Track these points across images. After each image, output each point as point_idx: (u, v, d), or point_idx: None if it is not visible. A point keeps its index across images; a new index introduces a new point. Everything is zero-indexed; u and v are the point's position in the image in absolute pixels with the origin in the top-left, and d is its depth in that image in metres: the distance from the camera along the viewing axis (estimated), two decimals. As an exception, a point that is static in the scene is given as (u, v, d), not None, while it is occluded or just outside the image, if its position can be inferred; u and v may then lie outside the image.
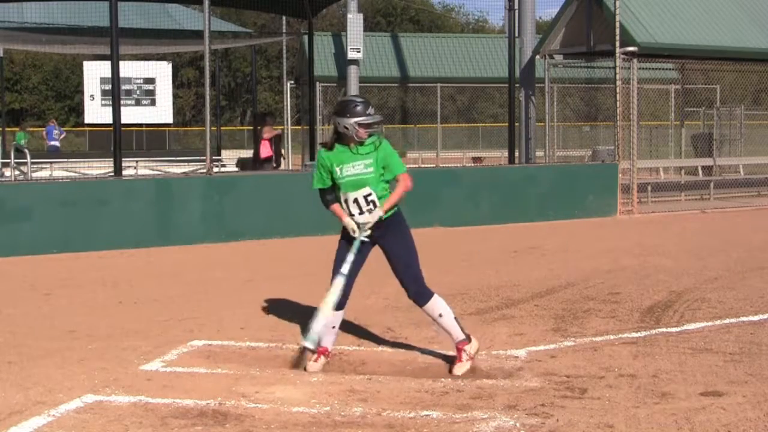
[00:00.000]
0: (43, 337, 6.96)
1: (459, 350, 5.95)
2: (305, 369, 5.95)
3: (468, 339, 5.98)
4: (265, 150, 16.50)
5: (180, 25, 21.98)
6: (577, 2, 17.70)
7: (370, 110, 5.88)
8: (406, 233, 5.99)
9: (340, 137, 5.92)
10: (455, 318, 6.04)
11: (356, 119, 5.81)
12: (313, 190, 6.06)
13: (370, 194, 5.86)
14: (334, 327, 6.07)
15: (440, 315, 5.99)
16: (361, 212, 5.88)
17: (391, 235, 5.95)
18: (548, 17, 31.85)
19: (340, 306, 6.01)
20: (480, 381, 5.66)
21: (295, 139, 26.77)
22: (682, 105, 23.06)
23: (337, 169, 5.88)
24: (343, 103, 6.01)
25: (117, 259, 11.12)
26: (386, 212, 5.89)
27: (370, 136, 5.90)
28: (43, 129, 29.44)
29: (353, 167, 5.86)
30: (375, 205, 5.87)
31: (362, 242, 5.92)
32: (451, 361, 6.02)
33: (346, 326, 7.17)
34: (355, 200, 5.88)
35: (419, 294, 5.98)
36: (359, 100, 5.98)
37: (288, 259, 11.23)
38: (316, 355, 6.04)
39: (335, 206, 6.00)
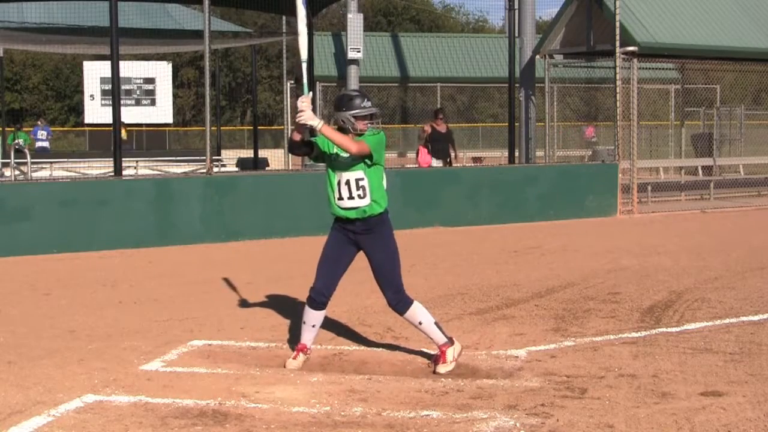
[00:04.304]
0: (43, 337, 6.97)
1: (442, 352, 5.94)
2: (284, 366, 5.96)
3: (450, 342, 5.95)
4: (423, 151, 16.86)
5: (180, 25, 21.94)
6: (577, 2, 17.70)
7: (366, 103, 5.83)
8: (389, 238, 5.92)
9: (342, 131, 5.85)
10: (436, 323, 6.00)
11: (351, 112, 5.79)
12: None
13: (362, 179, 5.81)
14: (314, 326, 6.05)
15: (420, 323, 5.96)
16: (351, 197, 5.82)
17: (374, 239, 5.88)
18: (548, 17, 31.84)
19: (321, 305, 5.99)
20: (480, 381, 5.66)
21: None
22: (682, 105, 23.06)
23: (335, 151, 5.81)
24: (339, 97, 5.98)
25: (117, 259, 11.12)
26: (320, 130, 5.64)
27: (369, 128, 5.82)
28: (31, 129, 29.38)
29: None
30: (365, 192, 5.81)
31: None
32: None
33: (346, 326, 7.18)
34: (347, 182, 5.80)
35: (398, 302, 5.94)
36: (354, 93, 5.97)
37: (288, 259, 11.23)
38: (295, 353, 6.05)
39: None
